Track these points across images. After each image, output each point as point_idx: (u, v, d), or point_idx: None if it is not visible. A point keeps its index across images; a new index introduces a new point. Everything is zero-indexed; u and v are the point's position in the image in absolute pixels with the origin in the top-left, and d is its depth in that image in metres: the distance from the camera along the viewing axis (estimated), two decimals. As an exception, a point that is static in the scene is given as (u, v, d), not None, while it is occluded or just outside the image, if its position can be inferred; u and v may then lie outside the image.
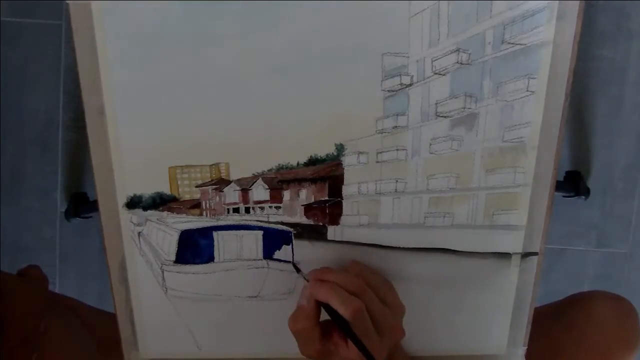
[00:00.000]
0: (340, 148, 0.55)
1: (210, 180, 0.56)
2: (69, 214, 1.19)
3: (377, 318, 0.51)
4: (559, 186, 1.12)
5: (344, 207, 0.57)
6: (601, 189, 1.21)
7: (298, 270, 0.56)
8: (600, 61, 1.17)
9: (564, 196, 1.18)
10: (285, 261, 0.59)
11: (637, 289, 1.24)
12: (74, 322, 0.67)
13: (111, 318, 0.61)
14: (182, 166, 0.55)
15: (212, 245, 0.58)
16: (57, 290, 1.24)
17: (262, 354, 0.62)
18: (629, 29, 1.16)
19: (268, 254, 0.59)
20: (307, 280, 0.54)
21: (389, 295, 0.54)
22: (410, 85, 0.54)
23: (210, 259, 0.58)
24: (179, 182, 0.56)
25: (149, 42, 0.51)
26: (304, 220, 0.58)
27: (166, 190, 0.56)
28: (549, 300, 0.76)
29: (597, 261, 1.24)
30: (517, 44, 0.52)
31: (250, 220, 0.58)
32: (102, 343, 0.67)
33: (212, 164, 0.55)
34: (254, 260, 0.59)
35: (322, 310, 0.52)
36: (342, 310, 0.50)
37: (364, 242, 0.58)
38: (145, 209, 0.56)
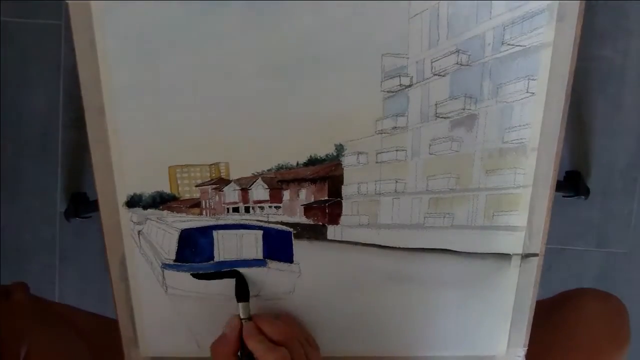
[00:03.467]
0: (339, 148, 0.55)
1: (210, 179, 0.56)
2: (69, 214, 1.19)
3: None
4: (559, 186, 1.12)
5: (343, 207, 0.57)
6: (601, 189, 1.21)
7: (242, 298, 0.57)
8: (600, 61, 1.17)
9: (564, 196, 1.18)
10: (285, 261, 0.59)
11: (637, 289, 1.24)
12: (66, 333, 0.66)
13: (109, 324, 0.61)
14: (182, 165, 0.55)
15: (212, 245, 0.58)
16: (56, 291, 1.24)
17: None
18: (628, 29, 1.16)
19: (268, 254, 0.59)
20: (242, 315, 0.56)
21: (313, 354, 0.56)
22: (410, 86, 0.54)
23: (210, 258, 0.58)
24: (178, 182, 0.56)
25: (149, 42, 0.51)
26: (303, 220, 0.58)
27: (166, 189, 0.56)
28: (548, 301, 0.76)
29: (597, 261, 1.24)
30: (517, 46, 0.52)
31: (250, 220, 0.58)
32: (100, 351, 0.66)
33: (212, 164, 0.55)
34: (254, 259, 0.59)
35: None
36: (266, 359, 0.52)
37: (364, 242, 0.59)
38: (145, 207, 0.56)
